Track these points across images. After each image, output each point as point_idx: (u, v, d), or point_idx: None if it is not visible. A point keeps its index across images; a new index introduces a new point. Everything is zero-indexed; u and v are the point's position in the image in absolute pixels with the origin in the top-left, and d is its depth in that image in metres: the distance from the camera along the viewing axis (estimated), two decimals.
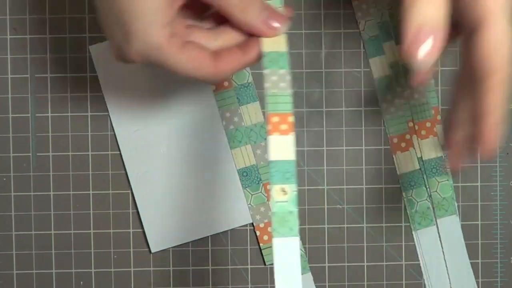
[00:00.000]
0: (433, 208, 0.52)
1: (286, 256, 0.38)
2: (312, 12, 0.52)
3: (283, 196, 0.39)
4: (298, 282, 0.37)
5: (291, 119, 0.41)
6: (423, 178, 0.52)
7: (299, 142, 0.53)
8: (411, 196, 0.52)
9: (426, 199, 0.52)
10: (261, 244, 0.51)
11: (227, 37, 0.41)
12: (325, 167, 0.53)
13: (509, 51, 0.34)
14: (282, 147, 0.40)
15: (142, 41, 0.38)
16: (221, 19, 0.42)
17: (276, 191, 0.39)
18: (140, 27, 0.38)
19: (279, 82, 0.42)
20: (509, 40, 0.34)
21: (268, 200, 0.51)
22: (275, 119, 0.40)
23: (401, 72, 0.52)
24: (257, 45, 0.41)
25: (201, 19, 0.42)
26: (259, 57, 0.41)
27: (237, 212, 0.52)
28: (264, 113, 0.52)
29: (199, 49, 0.40)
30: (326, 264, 0.52)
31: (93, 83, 0.52)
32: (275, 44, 0.42)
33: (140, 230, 0.52)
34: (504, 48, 0.34)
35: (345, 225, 0.53)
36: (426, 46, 0.33)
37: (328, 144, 0.53)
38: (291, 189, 0.39)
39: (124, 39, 0.38)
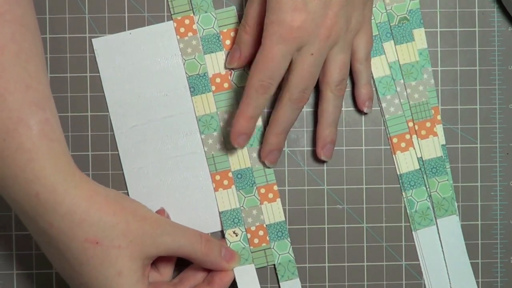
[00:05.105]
0: (433, 208, 0.52)
1: (247, 279, 0.50)
2: None
3: (236, 237, 0.50)
4: None
5: (230, 174, 0.51)
6: (423, 178, 0.52)
7: (299, 142, 0.53)
8: (411, 196, 0.52)
9: (426, 199, 0.52)
10: (251, 247, 0.51)
11: (192, 281, 0.49)
12: (325, 167, 0.53)
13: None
14: (227, 199, 0.50)
15: None
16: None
17: (229, 234, 0.50)
18: None
19: (214, 144, 0.51)
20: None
21: (261, 203, 0.51)
22: (217, 177, 0.51)
23: (401, 72, 0.52)
24: (220, 278, 0.48)
25: (161, 272, 0.49)
26: (226, 286, 0.48)
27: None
28: (261, 117, 0.52)
29: None
30: (326, 264, 0.52)
31: (93, 83, 0.52)
32: (205, 107, 0.51)
33: None
34: None
35: (345, 225, 0.53)
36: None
37: None
38: (241, 230, 0.50)
39: None
